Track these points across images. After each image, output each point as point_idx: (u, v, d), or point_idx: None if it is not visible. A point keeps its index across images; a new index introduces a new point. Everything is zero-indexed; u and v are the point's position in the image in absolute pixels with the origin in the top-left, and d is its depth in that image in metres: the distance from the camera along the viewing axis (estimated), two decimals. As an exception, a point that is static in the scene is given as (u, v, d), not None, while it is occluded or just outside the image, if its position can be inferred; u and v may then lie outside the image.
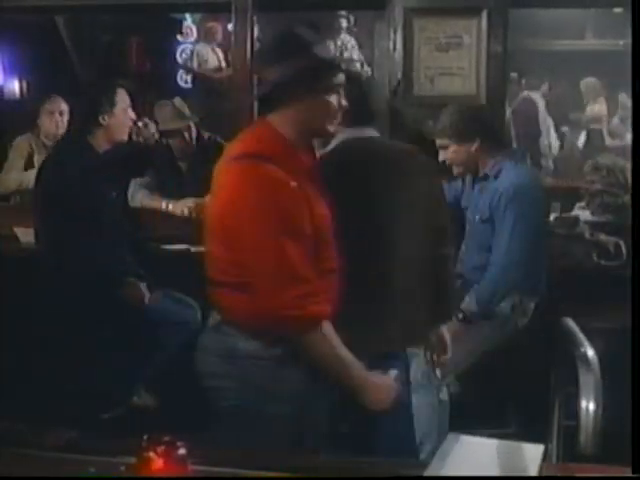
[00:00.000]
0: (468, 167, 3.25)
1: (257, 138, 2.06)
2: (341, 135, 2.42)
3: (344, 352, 1.99)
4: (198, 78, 7.49)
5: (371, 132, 2.50)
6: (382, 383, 2.09)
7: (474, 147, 3.16)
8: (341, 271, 2.06)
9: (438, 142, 3.24)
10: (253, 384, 2.01)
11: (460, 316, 3.05)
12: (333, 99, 2.04)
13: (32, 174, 4.33)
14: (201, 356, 2.10)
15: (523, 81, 7.68)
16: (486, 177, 3.20)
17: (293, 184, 1.95)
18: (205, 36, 7.65)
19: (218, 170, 2.05)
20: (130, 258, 3.43)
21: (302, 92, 2.00)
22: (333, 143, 2.49)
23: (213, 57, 7.61)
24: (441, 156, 3.24)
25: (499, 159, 3.19)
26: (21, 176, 4.56)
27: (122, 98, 3.42)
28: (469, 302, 3.09)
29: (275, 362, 2.00)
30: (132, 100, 3.52)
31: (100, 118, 3.34)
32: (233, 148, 2.08)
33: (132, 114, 3.50)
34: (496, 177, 3.16)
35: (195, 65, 7.58)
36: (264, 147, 2.00)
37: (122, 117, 3.41)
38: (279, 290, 1.91)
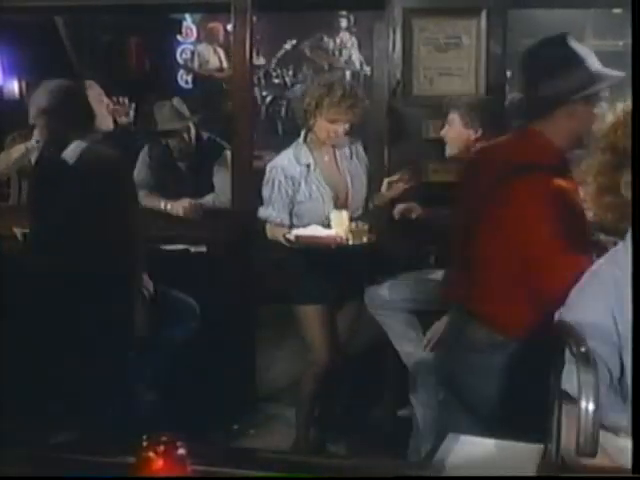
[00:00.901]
0: (461, 152, 3.28)
1: (539, 148, 2.10)
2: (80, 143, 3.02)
3: None
4: (199, 78, 7.50)
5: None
6: None
7: (475, 136, 3.23)
8: None
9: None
10: None
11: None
12: (597, 110, 2.10)
13: (20, 147, 4.34)
14: (491, 380, 2.19)
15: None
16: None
17: (575, 194, 2.02)
18: (207, 36, 7.66)
19: (502, 181, 2.08)
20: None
21: (575, 103, 2.07)
22: (76, 151, 3.02)
23: (214, 57, 7.62)
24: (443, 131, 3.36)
25: None
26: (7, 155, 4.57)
27: (93, 89, 3.43)
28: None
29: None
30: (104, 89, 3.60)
31: None
32: (510, 158, 2.12)
33: (107, 100, 3.56)
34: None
35: (196, 65, 7.58)
36: (548, 158, 2.05)
37: (100, 107, 3.42)
38: (565, 290, 1.94)
